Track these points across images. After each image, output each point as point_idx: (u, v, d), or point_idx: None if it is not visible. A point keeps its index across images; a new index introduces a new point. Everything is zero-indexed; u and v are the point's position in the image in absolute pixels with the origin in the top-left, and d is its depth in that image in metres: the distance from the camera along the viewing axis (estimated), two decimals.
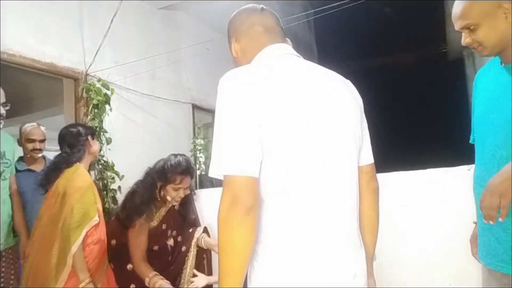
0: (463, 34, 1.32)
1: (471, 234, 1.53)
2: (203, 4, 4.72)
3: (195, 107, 4.88)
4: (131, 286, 2.23)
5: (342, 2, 3.52)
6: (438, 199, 2.21)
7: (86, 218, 1.99)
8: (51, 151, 7.62)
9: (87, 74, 3.39)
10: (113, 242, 2.26)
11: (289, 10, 5.91)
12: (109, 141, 3.30)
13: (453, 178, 2.17)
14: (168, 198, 2.21)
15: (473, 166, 2.20)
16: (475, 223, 1.47)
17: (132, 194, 2.30)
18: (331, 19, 4.12)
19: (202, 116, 5.13)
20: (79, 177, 2.10)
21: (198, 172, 4.42)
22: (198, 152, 4.20)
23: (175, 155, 2.28)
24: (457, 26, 1.31)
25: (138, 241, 2.21)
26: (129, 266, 2.24)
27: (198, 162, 4.28)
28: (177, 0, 4.34)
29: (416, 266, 2.25)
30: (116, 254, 2.25)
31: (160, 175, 2.19)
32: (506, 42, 1.25)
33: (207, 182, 4.11)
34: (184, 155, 2.34)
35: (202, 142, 4.20)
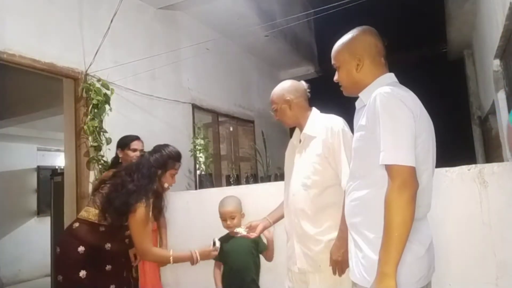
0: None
1: None
2: (203, 4, 4.72)
3: (195, 107, 4.88)
4: (111, 286, 2.18)
5: (342, 2, 3.52)
6: (438, 199, 2.21)
7: None
8: (51, 151, 7.60)
9: (87, 74, 3.39)
10: (81, 249, 2.14)
11: (289, 10, 5.92)
12: (109, 141, 3.30)
13: (453, 178, 2.17)
14: (166, 184, 2.28)
15: (473, 166, 2.21)
16: None
17: (126, 183, 2.17)
18: (331, 19, 4.12)
19: (202, 116, 5.13)
20: None
21: (198, 172, 4.42)
22: (198, 152, 4.19)
23: (165, 145, 2.35)
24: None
25: (146, 227, 2.13)
26: (108, 267, 2.19)
27: (198, 162, 4.28)
28: (177, 0, 4.33)
29: None
30: (89, 259, 2.15)
31: (161, 163, 2.25)
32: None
33: (207, 182, 4.10)
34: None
35: (202, 142, 4.19)
